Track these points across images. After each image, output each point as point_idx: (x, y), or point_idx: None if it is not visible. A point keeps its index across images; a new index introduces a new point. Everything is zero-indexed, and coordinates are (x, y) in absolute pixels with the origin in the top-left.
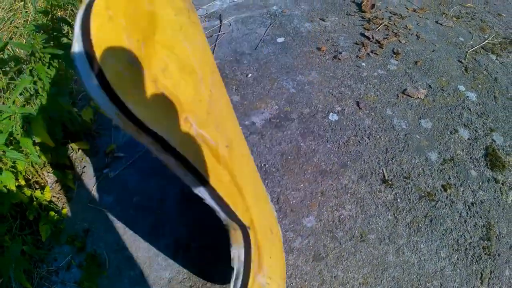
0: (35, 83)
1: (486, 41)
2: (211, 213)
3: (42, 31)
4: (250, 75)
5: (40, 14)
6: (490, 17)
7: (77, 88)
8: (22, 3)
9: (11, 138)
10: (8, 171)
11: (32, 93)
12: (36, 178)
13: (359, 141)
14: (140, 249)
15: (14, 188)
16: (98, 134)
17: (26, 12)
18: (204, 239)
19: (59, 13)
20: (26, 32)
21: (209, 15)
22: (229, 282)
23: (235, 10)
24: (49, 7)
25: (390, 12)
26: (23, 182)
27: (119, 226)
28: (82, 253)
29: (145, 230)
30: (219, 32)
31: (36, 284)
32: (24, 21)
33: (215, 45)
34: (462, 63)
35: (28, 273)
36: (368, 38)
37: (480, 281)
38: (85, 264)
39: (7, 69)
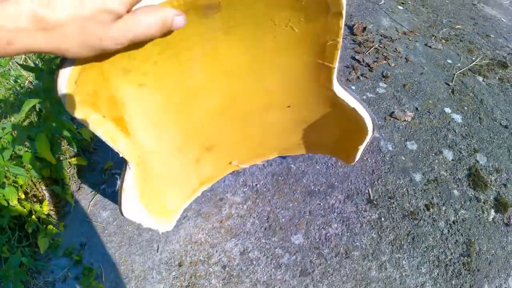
0: (43, 103)
1: (473, 63)
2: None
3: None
4: None
5: None
6: (479, 38)
7: None
8: None
9: (13, 152)
10: (11, 186)
11: (37, 111)
12: (35, 192)
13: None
14: (135, 263)
15: (16, 202)
16: (96, 151)
17: None
18: (196, 254)
19: None
20: None
21: None
22: None
23: None
24: None
25: (381, 35)
26: (22, 196)
27: (115, 240)
28: (79, 266)
29: (140, 245)
30: None
31: None
32: None
33: None
34: (449, 85)
35: (25, 284)
36: (358, 61)
37: None
38: (81, 276)
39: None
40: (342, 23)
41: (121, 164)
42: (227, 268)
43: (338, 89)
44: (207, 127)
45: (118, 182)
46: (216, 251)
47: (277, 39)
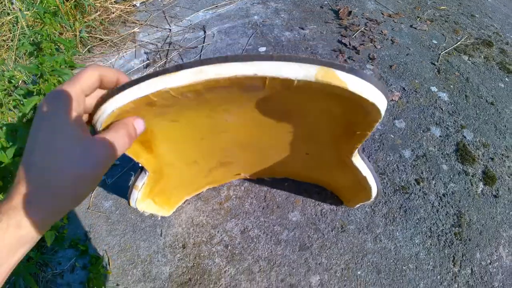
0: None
1: (459, 43)
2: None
3: (38, 48)
4: None
5: (30, 29)
6: (464, 19)
7: None
8: (9, 17)
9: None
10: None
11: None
12: None
13: None
14: (140, 248)
15: None
16: None
17: (14, 26)
18: (199, 236)
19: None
20: (16, 48)
21: (193, 26)
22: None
23: (218, 20)
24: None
25: (366, 18)
26: None
27: (119, 228)
28: (86, 256)
29: (144, 231)
30: (203, 43)
31: (43, 287)
32: (12, 35)
33: (200, 56)
34: (435, 65)
35: (35, 277)
36: (345, 44)
37: (452, 263)
38: (89, 265)
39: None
40: (377, 125)
41: (120, 157)
42: (229, 247)
43: (357, 159)
44: (227, 152)
45: (118, 172)
46: (218, 232)
47: (311, 120)
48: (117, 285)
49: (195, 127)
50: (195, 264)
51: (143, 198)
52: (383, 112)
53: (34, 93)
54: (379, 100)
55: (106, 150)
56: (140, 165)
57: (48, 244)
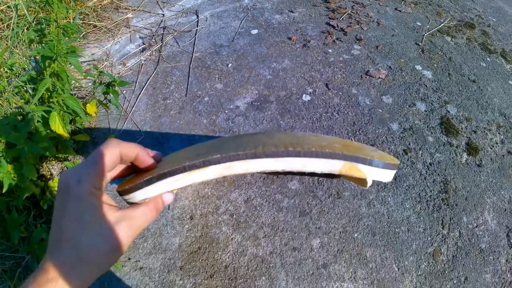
0: (53, 84)
1: (442, 25)
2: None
3: (40, 34)
4: (230, 65)
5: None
6: (447, 2)
7: (74, 85)
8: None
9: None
10: (29, 164)
11: (50, 92)
12: (43, 170)
13: (330, 117)
14: None
15: (35, 178)
16: (97, 128)
17: (5, 15)
18: (205, 207)
19: (40, 14)
20: (18, 35)
21: (185, 10)
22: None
23: (209, 5)
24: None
25: (353, 2)
26: (36, 174)
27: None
28: None
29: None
30: (197, 27)
31: None
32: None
33: (195, 39)
34: (419, 45)
35: None
36: (333, 26)
37: (441, 226)
38: None
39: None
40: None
41: (122, 137)
42: (234, 216)
43: None
44: None
45: None
46: (223, 202)
47: None
48: (129, 259)
49: None
50: (203, 234)
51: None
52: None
53: (46, 75)
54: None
55: (134, 223)
56: None
57: None
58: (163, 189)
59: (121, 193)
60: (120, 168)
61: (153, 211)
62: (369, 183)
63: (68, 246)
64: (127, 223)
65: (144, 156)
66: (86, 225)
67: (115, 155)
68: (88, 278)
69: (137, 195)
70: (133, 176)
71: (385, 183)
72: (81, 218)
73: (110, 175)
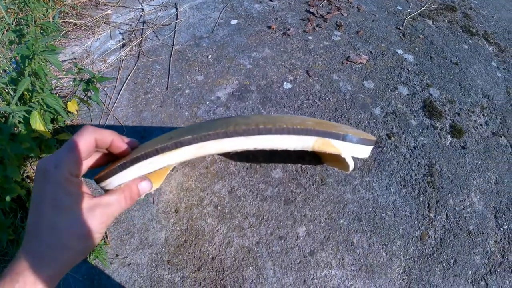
0: (33, 83)
1: (423, 8)
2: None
3: (19, 35)
4: (210, 56)
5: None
6: None
7: (55, 84)
8: None
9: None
10: (13, 166)
11: (31, 92)
12: (28, 172)
13: (311, 104)
14: (135, 217)
15: (19, 180)
16: (78, 125)
17: None
18: (189, 200)
19: (20, 15)
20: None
21: (165, 4)
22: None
23: None
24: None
25: None
26: (21, 176)
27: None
28: None
29: (137, 201)
30: (176, 20)
31: None
32: None
33: (174, 32)
34: (400, 29)
35: None
36: (313, 13)
37: (428, 209)
38: None
39: None
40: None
41: None
42: (219, 207)
43: None
44: None
45: None
46: (207, 194)
47: None
48: (117, 255)
49: None
50: (188, 227)
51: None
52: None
53: (25, 75)
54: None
55: (108, 210)
56: None
57: None
58: (137, 173)
59: (98, 180)
60: (96, 156)
61: (127, 199)
62: (350, 165)
63: (46, 230)
64: (101, 210)
65: (119, 142)
66: (63, 210)
67: (90, 141)
68: (66, 264)
69: (113, 181)
70: (109, 165)
71: (369, 168)
72: (58, 204)
73: (86, 163)
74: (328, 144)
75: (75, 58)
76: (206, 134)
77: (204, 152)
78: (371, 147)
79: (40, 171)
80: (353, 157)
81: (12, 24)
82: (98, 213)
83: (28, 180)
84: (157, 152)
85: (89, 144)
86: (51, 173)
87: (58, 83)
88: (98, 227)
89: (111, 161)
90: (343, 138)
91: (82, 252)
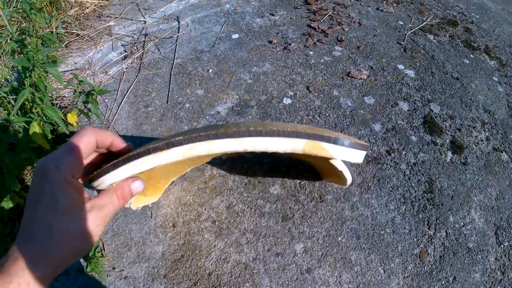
0: (33, 94)
1: (424, 23)
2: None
3: (21, 45)
4: (210, 70)
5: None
6: (429, 0)
7: (56, 95)
8: None
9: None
10: (11, 176)
11: (29, 105)
12: (28, 181)
13: (311, 119)
14: (133, 231)
15: (18, 189)
16: None
17: None
18: (187, 214)
19: (23, 24)
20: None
21: (167, 17)
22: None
23: (191, 10)
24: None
25: (334, 3)
26: (19, 186)
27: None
28: None
29: (135, 214)
30: (178, 33)
31: None
32: None
33: (176, 45)
34: (401, 44)
35: None
36: (314, 28)
37: (427, 226)
38: None
39: None
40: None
41: None
42: (216, 223)
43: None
44: None
45: None
46: (205, 209)
47: None
48: (113, 268)
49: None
50: (185, 241)
51: (136, 199)
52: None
53: (26, 86)
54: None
55: (103, 211)
56: None
57: None
58: (130, 172)
59: (90, 180)
60: (93, 156)
61: (120, 199)
62: (347, 177)
63: (40, 230)
64: (96, 212)
65: (119, 142)
66: (60, 212)
67: (91, 142)
68: (60, 265)
69: (105, 180)
70: (102, 166)
71: (368, 185)
72: (56, 205)
73: (84, 162)
74: (318, 147)
75: (77, 69)
76: (197, 135)
77: (195, 153)
78: (364, 153)
79: (40, 170)
80: (351, 172)
81: (16, 33)
82: (94, 215)
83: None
84: (149, 152)
85: (90, 145)
86: (51, 174)
87: (59, 94)
88: (95, 229)
89: (105, 161)
90: (334, 141)
91: (77, 254)
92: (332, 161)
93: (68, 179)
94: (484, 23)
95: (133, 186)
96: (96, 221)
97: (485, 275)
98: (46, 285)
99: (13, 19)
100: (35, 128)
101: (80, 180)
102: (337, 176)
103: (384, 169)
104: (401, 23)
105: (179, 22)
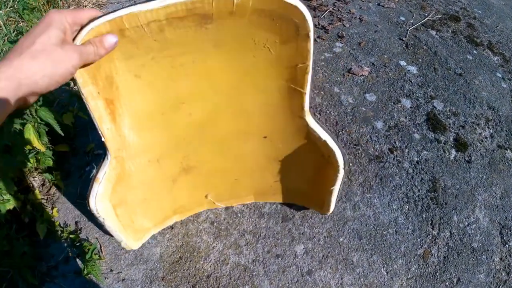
0: None
1: (426, 19)
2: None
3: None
4: None
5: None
6: None
7: (52, 96)
8: None
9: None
10: (7, 179)
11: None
12: (24, 183)
13: None
14: None
15: (12, 193)
16: (76, 137)
17: None
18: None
19: (20, 24)
20: None
21: None
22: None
23: None
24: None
25: None
26: (15, 188)
27: None
28: (78, 245)
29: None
30: None
31: (39, 280)
32: None
33: None
34: (403, 40)
35: (32, 271)
36: (314, 25)
37: (431, 226)
38: (82, 254)
39: None
40: (311, 46)
41: (101, 146)
42: (215, 224)
43: (311, 120)
44: (187, 143)
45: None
46: (203, 210)
47: (256, 59)
48: (111, 270)
49: (154, 89)
50: (184, 243)
51: (103, 197)
52: (309, 19)
53: None
54: (302, 6)
55: (84, 54)
56: (103, 146)
57: (41, 237)
58: (110, 17)
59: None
60: None
61: (99, 47)
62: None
63: (31, 42)
64: (75, 49)
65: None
66: (48, 37)
67: (92, 15)
68: (38, 73)
69: (87, 27)
70: None
71: (370, 184)
72: (45, 31)
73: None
74: None
75: None
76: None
77: (166, 2)
78: (304, 7)
79: (48, 19)
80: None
81: (13, 33)
82: (71, 49)
83: (24, 192)
84: (130, 5)
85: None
86: (51, 22)
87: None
88: (74, 61)
89: None
90: None
91: (52, 72)
92: (308, 120)
93: (63, 26)
94: (487, 19)
95: (107, 36)
96: (76, 58)
97: (489, 276)
98: (9, 104)
99: (10, 19)
100: (29, 130)
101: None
102: (326, 163)
103: (387, 168)
104: (402, 18)
105: None
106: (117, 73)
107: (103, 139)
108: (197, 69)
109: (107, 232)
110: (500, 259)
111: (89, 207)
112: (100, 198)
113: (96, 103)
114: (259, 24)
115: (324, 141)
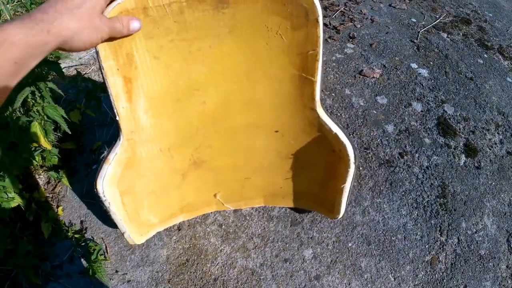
0: (33, 93)
1: (437, 21)
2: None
3: None
4: None
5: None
6: None
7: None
8: None
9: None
10: (12, 177)
11: (32, 102)
12: (30, 181)
13: None
14: None
15: (17, 191)
16: (83, 134)
17: None
18: (193, 218)
19: None
20: None
21: None
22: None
23: None
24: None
25: None
26: (20, 186)
27: None
28: (83, 245)
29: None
30: None
31: (43, 280)
32: None
33: None
34: (414, 42)
35: (36, 270)
36: (326, 25)
37: (439, 232)
38: (87, 254)
39: None
40: (320, 32)
41: (109, 143)
42: (223, 226)
43: (322, 112)
44: (199, 134)
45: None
46: (211, 212)
47: (269, 46)
48: (116, 271)
49: (171, 72)
50: (191, 245)
51: (111, 181)
52: (317, 3)
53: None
54: None
55: (111, 25)
56: (116, 126)
57: (45, 236)
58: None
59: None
60: None
61: (124, 27)
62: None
63: (79, 3)
64: (109, 27)
65: None
66: (98, 9)
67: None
68: (68, 29)
69: (114, 3)
70: None
71: (380, 189)
72: (97, 4)
73: None
74: None
75: (81, 64)
76: None
77: None
78: None
79: None
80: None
81: None
82: (105, 23)
83: (30, 188)
84: None
85: None
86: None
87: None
88: (104, 29)
89: None
90: None
91: (83, 33)
92: (319, 112)
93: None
94: (498, 22)
95: (131, 19)
96: (105, 25)
97: (496, 283)
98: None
99: (17, 13)
100: (35, 127)
101: None
102: (337, 157)
103: (397, 173)
104: (414, 20)
105: None
106: (137, 52)
107: (117, 118)
108: (213, 55)
109: (112, 225)
110: (507, 266)
111: (95, 189)
112: (108, 181)
113: (115, 80)
114: (272, 9)
115: (335, 134)
